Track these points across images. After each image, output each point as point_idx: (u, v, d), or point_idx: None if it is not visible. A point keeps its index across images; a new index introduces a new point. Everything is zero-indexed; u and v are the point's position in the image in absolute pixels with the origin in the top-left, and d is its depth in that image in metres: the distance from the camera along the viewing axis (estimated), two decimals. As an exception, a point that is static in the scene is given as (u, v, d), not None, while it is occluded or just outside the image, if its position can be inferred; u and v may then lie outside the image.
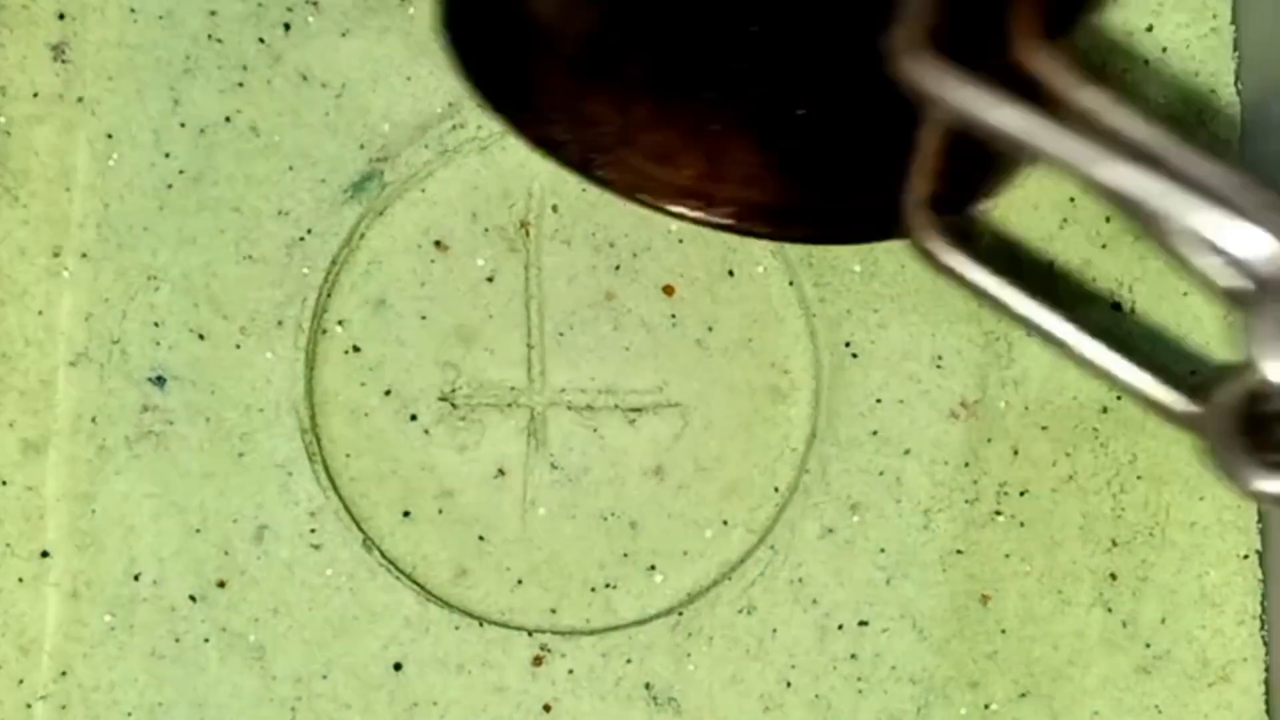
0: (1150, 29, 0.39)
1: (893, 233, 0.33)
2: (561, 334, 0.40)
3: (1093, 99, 0.30)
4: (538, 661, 0.39)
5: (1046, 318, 0.32)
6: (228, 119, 0.40)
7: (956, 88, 0.28)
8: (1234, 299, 0.29)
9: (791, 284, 0.39)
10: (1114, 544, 0.38)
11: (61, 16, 0.40)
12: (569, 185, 0.39)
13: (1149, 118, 0.30)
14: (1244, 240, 0.28)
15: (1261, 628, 0.38)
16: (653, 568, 0.39)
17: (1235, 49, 0.39)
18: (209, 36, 0.40)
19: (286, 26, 0.40)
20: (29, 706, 0.39)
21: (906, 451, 0.39)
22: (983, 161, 0.33)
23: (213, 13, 0.40)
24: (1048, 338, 0.32)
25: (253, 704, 0.39)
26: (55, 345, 0.39)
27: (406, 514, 0.39)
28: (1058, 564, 0.38)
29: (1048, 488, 0.39)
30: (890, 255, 0.39)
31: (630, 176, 0.35)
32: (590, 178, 0.35)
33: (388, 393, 0.39)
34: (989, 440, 0.39)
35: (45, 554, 0.39)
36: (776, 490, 0.39)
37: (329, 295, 0.40)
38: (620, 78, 0.35)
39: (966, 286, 0.32)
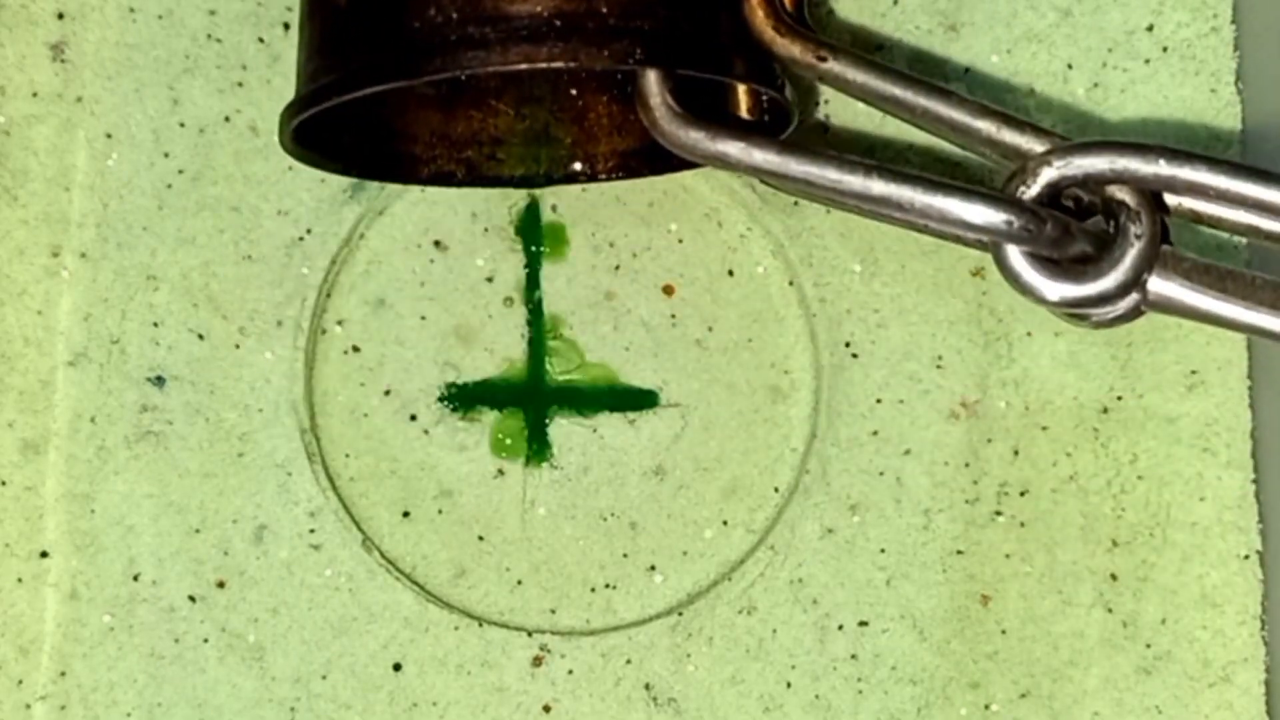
0: (1150, 29, 0.39)
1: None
2: (561, 334, 0.40)
3: (840, 67, 0.33)
4: (537, 662, 0.39)
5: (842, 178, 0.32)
6: (227, 119, 0.40)
7: (711, 144, 0.32)
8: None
9: (791, 284, 0.39)
10: (1114, 544, 0.38)
11: (61, 16, 0.40)
12: (568, 185, 0.39)
13: (893, 74, 0.33)
14: (979, 212, 0.31)
15: (1262, 628, 0.38)
16: (653, 568, 0.39)
17: (1235, 49, 0.39)
18: (208, 36, 0.40)
19: (286, 26, 0.40)
20: (28, 707, 0.38)
21: (907, 452, 0.39)
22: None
23: (212, 12, 0.40)
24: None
25: (252, 704, 0.39)
26: (54, 345, 0.39)
27: (406, 514, 0.39)
28: (1058, 564, 0.38)
29: (1048, 488, 0.39)
30: (890, 255, 0.39)
31: (518, 166, 0.38)
32: (485, 183, 0.38)
33: (387, 393, 0.39)
34: (989, 440, 0.39)
35: (44, 554, 0.39)
36: (776, 490, 0.39)
37: (328, 295, 0.40)
38: (476, 92, 0.38)
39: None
